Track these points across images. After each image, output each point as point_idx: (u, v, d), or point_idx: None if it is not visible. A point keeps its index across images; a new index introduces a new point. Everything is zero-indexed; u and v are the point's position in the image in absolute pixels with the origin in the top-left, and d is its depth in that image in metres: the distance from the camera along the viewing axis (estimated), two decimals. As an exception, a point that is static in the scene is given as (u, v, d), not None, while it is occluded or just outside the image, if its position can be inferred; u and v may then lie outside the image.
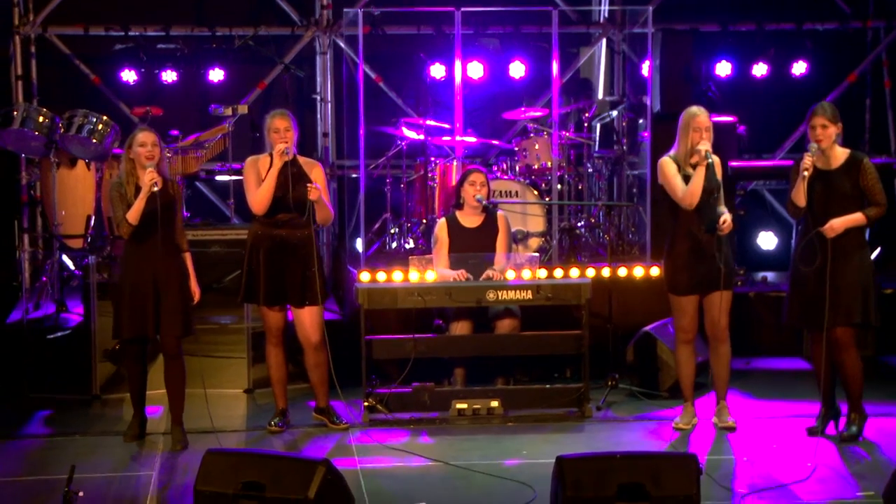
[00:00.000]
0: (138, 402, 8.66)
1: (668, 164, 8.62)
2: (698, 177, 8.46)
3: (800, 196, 8.24)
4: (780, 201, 13.53)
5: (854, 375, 8.30)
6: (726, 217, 8.51)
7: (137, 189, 8.28)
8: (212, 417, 8.65)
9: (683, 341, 8.78)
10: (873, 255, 8.35)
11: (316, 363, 8.86)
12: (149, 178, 8.20)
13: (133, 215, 8.25)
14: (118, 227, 8.41)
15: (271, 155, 8.73)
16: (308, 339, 8.80)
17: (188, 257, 8.57)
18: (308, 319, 8.77)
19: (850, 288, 8.18)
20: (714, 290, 8.57)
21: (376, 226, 12.47)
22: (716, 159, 8.62)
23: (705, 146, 8.47)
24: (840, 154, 8.29)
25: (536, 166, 11.89)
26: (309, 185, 8.66)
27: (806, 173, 8.16)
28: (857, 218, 8.19)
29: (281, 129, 8.69)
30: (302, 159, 8.85)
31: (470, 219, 9.71)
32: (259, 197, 8.69)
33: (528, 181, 11.71)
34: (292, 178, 8.66)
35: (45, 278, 11.22)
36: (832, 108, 8.29)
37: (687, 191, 8.49)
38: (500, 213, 9.80)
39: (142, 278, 8.33)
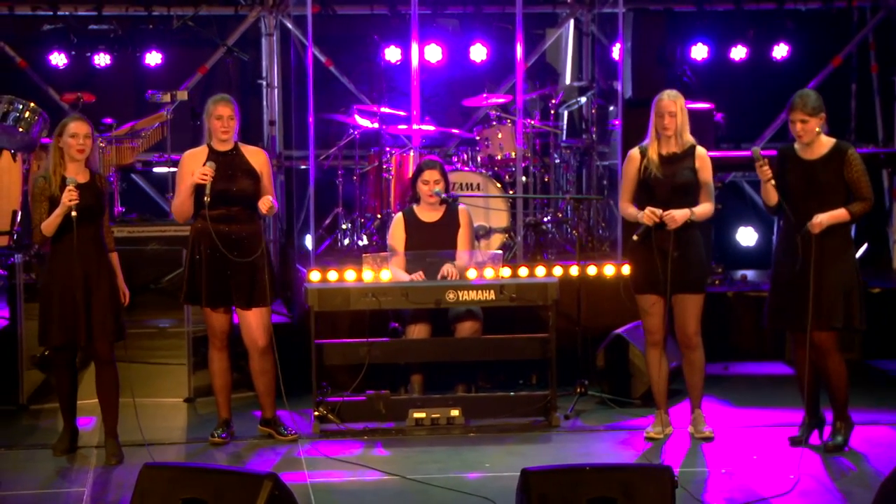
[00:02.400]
0: (69, 412, 8.61)
1: (630, 160, 8.71)
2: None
3: (769, 196, 8.34)
4: (761, 194, 13.62)
5: (838, 382, 8.35)
6: (672, 211, 8.53)
7: (63, 181, 8.22)
8: (147, 429, 8.59)
9: (650, 343, 8.81)
10: (859, 253, 8.40)
11: (262, 369, 8.84)
12: (66, 198, 8.12)
13: (48, 228, 8.22)
14: (33, 231, 8.38)
15: (210, 145, 8.71)
16: (255, 342, 8.78)
17: (115, 257, 8.53)
18: (255, 321, 8.74)
19: (831, 290, 8.21)
20: (679, 292, 8.61)
21: (327, 221, 12.46)
22: (700, 151, 8.66)
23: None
24: (824, 143, 8.31)
25: (499, 157, 11.91)
26: (264, 198, 8.66)
27: (773, 181, 8.26)
28: (841, 214, 8.23)
29: (224, 117, 8.67)
30: (245, 147, 8.83)
31: (429, 213, 9.72)
32: (175, 209, 8.77)
33: (490, 173, 11.73)
34: (237, 169, 8.64)
35: (-34, 279, 11.16)
36: (812, 99, 8.26)
37: (621, 207, 8.75)
38: (461, 207, 9.81)
39: (72, 279, 8.27)
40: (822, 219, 8.17)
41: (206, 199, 8.52)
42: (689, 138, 8.67)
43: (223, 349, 8.86)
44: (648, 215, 8.53)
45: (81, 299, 8.27)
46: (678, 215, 8.52)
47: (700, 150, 8.69)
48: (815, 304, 8.18)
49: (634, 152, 8.70)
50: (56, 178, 8.29)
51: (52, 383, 9.41)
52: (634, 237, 8.61)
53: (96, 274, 8.32)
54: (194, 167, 8.63)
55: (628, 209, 8.71)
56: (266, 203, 8.65)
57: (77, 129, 8.32)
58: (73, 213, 8.12)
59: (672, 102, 8.58)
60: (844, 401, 8.41)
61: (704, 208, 8.67)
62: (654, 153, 8.61)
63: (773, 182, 8.29)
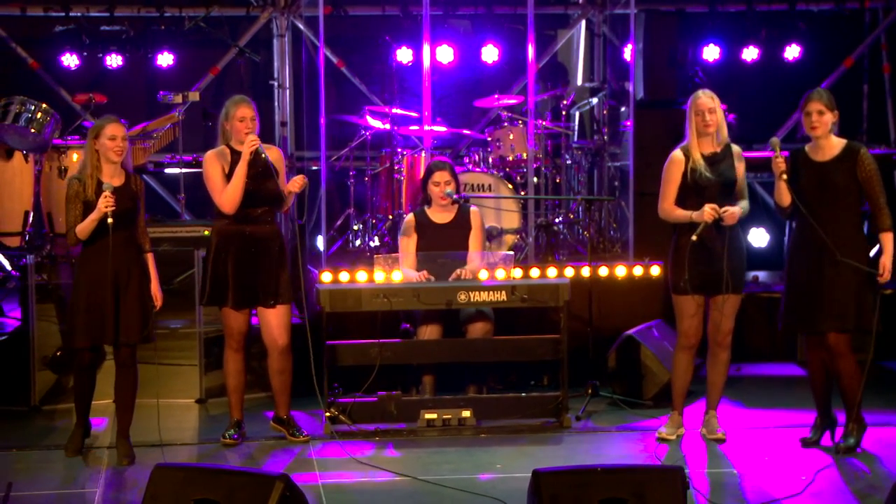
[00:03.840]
0: (83, 413, 8.61)
1: (674, 162, 8.64)
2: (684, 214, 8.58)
3: (782, 196, 8.33)
4: (773, 195, 13.59)
5: (851, 383, 8.34)
6: (728, 208, 8.53)
7: (99, 185, 8.23)
8: (161, 430, 8.62)
9: (684, 346, 8.77)
10: (872, 253, 8.39)
11: (281, 368, 8.85)
12: (103, 204, 8.12)
13: (83, 232, 8.22)
14: (66, 233, 8.38)
15: (229, 146, 8.72)
16: (275, 341, 8.79)
17: (150, 258, 8.52)
18: (276, 320, 8.77)
19: (844, 292, 8.21)
20: (727, 292, 8.59)
21: (339, 222, 12.47)
22: (736, 149, 8.68)
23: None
24: (835, 144, 8.32)
25: (511, 158, 11.90)
26: (296, 177, 8.70)
27: (785, 176, 8.25)
28: (890, 245, 8.21)
29: (247, 118, 8.68)
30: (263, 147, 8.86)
31: (440, 214, 9.72)
32: (229, 196, 8.64)
33: (501, 174, 11.73)
34: (263, 168, 8.65)
35: (-22, 280, 11.17)
36: (828, 94, 8.34)
37: (665, 210, 8.62)
38: (473, 208, 9.81)
39: (102, 282, 8.27)
40: (889, 266, 8.17)
41: (263, 155, 8.58)
42: (726, 135, 8.70)
43: (240, 350, 8.87)
44: (710, 213, 8.48)
45: (111, 302, 8.27)
46: (735, 212, 8.54)
47: (736, 147, 8.73)
48: (828, 305, 8.18)
49: (678, 154, 8.63)
50: (91, 181, 8.28)
51: (65, 384, 9.46)
52: (693, 237, 8.50)
53: (126, 276, 8.32)
54: (224, 163, 8.67)
55: (675, 211, 8.63)
56: (299, 181, 8.70)
57: (115, 131, 8.33)
58: (110, 220, 8.12)
59: (710, 99, 8.61)
60: (857, 402, 8.39)
61: (747, 205, 8.73)
62: (698, 154, 8.60)
63: (786, 177, 8.27)
